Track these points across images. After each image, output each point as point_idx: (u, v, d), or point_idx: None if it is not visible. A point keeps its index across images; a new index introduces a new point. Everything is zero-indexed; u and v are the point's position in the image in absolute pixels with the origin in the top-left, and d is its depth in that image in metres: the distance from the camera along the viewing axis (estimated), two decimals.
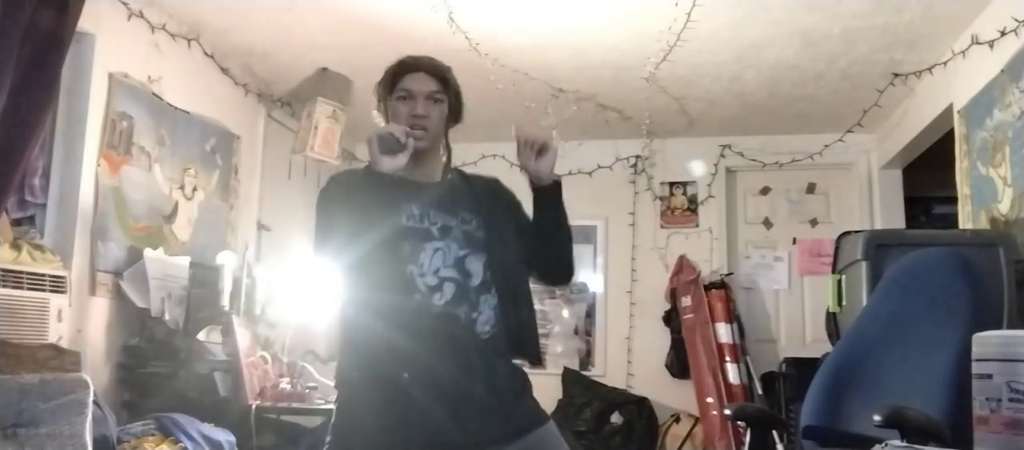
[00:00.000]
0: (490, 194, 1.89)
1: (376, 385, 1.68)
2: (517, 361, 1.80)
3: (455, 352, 1.68)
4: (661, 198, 5.30)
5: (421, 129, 1.77)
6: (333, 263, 1.74)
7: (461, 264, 1.74)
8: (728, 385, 4.61)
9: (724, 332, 4.73)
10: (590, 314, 5.31)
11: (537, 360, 1.84)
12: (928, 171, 4.65)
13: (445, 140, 1.89)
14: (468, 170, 1.95)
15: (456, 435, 1.65)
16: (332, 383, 3.82)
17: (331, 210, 1.74)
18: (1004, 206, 3.16)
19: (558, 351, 5.23)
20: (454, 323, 1.70)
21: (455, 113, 1.87)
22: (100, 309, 3.27)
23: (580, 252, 5.32)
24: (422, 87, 1.79)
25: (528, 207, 1.89)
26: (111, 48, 3.30)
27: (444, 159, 1.90)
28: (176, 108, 3.72)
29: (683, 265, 5.07)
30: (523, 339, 1.77)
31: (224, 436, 3.09)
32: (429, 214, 1.76)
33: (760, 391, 4.66)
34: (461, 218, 1.78)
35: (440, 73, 1.82)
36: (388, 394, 1.66)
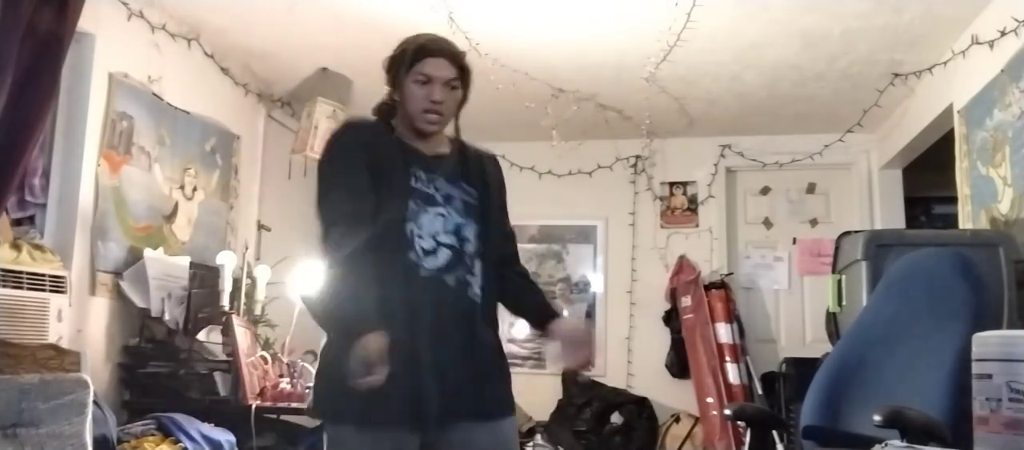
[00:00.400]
0: (488, 169, 1.94)
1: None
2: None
3: (436, 321, 1.71)
4: (661, 198, 5.29)
5: (436, 114, 1.80)
6: (350, 225, 1.69)
7: (459, 231, 1.78)
8: (728, 385, 4.61)
9: (724, 332, 4.73)
10: (590, 314, 5.31)
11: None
12: (928, 171, 4.65)
13: (456, 123, 1.91)
14: (464, 141, 1.98)
15: (426, 405, 1.66)
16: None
17: (343, 166, 1.76)
18: (1004, 206, 3.16)
19: (558, 351, 5.21)
20: (441, 288, 1.73)
21: (465, 100, 1.89)
22: (100, 309, 3.27)
23: (580, 252, 5.33)
24: (442, 73, 1.80)
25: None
26: (111, 48, 3.30)
27: (452, 137, 1.93)
28: (176, 108, 3.72)
29: (683, 265, 5.06)
30: (497, 312, 1.86)
31: (224, 436, 3.09)
32: (435, 180, 1.80)
33: (760, 391, 4.66)
34: (462, 189, 1.83)
35: (459, 60, 1.84)
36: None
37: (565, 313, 2.01)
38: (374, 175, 1.73)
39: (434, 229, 1.75)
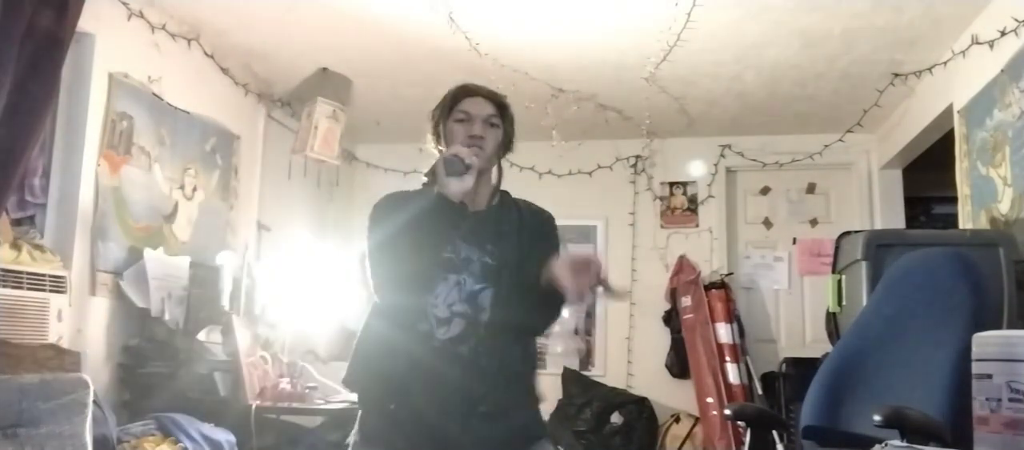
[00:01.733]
0: (530, 227, 1.87)
1: (374, 396, 1.76)
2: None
3: (446, 391, 1.69)
4: (661, 198, 5.30)
5: (478, 149, 1.77)
6: (386, 293, 1.75)
7: (474, 299, 1.74)
8: (728, 385, 4.61)
9: (724, 332, 4.73)
10: (590, 314, 5.31)
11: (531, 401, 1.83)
12: (928, 171, 4.65)
13: (499, 167, 1.89)
14: (523, 199, 1.93)
15: None
16: (332, 383, 3.82)
17: (382, 237, 1.74)
18: (1004, 206, 3.16)
19: (558, 351, 5.23)
20: (452, 360, 1.71)
21: (508, 142, 1.88)
22: (100, 309, 3.27)
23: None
24: (480, 111, 1.82)
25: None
26: (111, 48, 3.30)
27: (494, 185, 1.90)
28: (176, 108, 3.72)
29: (683, 265, 5.06)
30: (520, 379, 1.79)
31: (224, 436, 3.09)
32: (457, 245, 1.76)
33: (760, 391, 4.67)
34: (484, 250, 1.78)
35: (498, 100, 1.87)
36: (378, 414, 1.74)
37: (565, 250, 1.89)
38: (412, 247, 1.70)
39: (451, 299, 1.73)
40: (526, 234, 1.84)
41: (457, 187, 1.67)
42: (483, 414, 1.70)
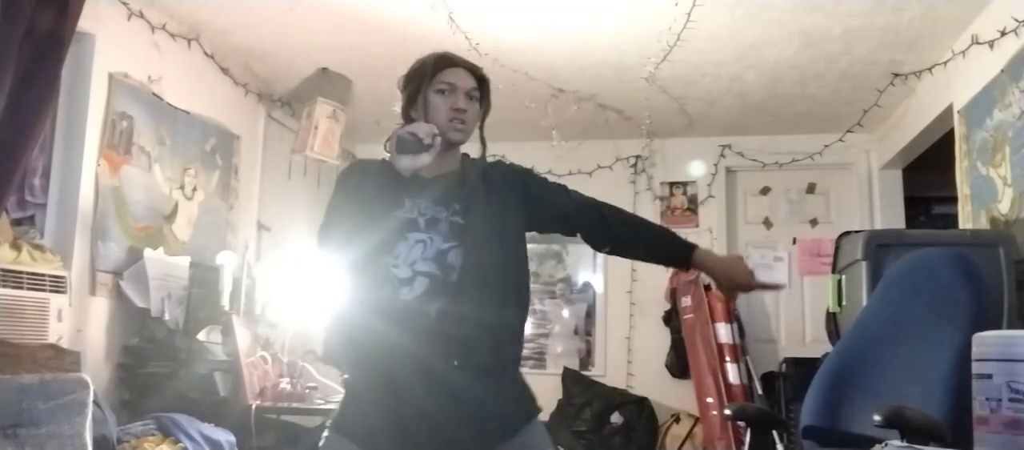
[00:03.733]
0: (497, 183, 1.83)
1: (358, 372, 1.73)
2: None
3: (417, 352, 1.64)
4: (661, 198, 5.30)
5: (461, 123, 1.77)
6: (333, 255, 1.75)
7: (442, 258, 1.69)
8: (728, 385, 4.61)
9: (724, 332, 4.73)
10: (590, 314, 5.31)
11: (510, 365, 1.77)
12: (928, 171, 4.65)
13: (482, 141, 1.88)
14: (491, 160, 1.91)
15: (413, 437, 1.63)
16: (332, 383, 3.83)
17: (339, 200, 1.75)
18: (1004, 206, 3.16)
19: (558, 351, 5.23)
20: (418, 318, 1.65)
21: (485, 115, 1.86)
22: (100, 309, 3.27)
23: (580, 252, 5.32)
24: (464, 83, 1.79)
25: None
26: (111, 48, 3.30)
27: (465, 153, 1.88)
28: (176, 108, 3.72)
29: None
30: (500, 342, 1.71)
31: (224, 436, 3.09)
32: (420, 204, 1.73)
33: (760, 391, 4.66)
34: (452, 210, 1.74)
35: (479, 73, 1.83)
36: (369, 386, 1.69)
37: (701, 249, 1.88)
38: (365, 215, 1.69)
39: (412, 258, 1.67)
40: (496, 192, 1.81)
41: (408, 164, 1.65)
42: (455, 374, 1.64)
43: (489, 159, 1.91)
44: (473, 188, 1.79)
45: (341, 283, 1.75)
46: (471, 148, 1.87)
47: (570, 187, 1.92)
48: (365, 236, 1.68)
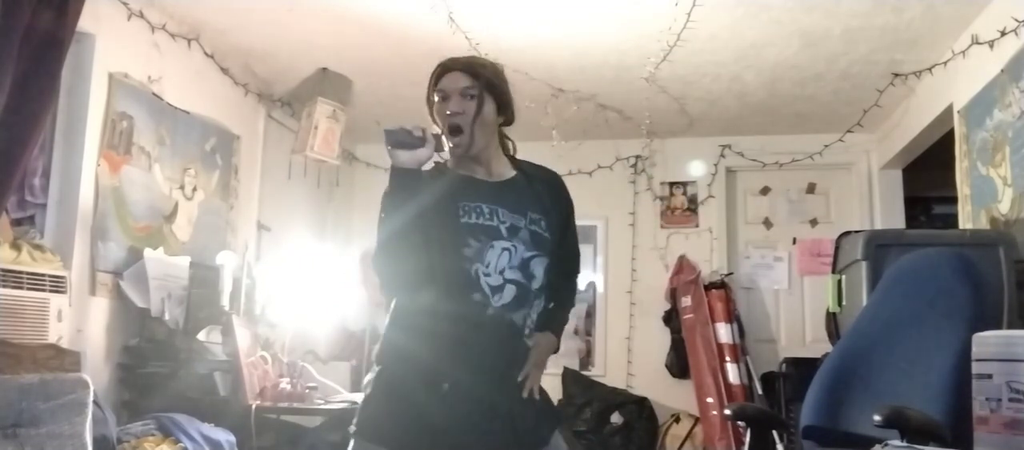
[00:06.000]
0: (552, 193, 1.89)
1: (418, 383, 1.68)
2: None
3: (496, 361, 1.71)
4: (661, 198, 5.30)
5: (457, 125, 1.76)
6: (396, 268, 1.71)
7: (526, 266, 1.73)
8: (728, 385, 4.61)
9: (724, 332, 4.73)
10: (590, 314, 5.31)
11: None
12: (928, 171, 4.65)
13: (503, 138, 1.88)
14: (527, 162, 1.93)
15: (476, 447, 1.68)
16: (332, 383, 3.83)
17: (390, 214, 1.70)
18: (1004, 206, 3.16)
19: (558, 351, 5.22)
20: (505, 328, 1.70)
21: (502, 108, 1.84)
22: (100, 309, 3.27)
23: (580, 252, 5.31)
24: (455, 85, 1.78)
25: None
26: (111, 48, 3.30)
27: (508, 155, 1.89)
28: (176, 108, 3.72)
29: (683, 265, 5.07)
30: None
31: (224, 436, 3.09)
32: (498, 212, 1.74)
33: (760, 391, 4.66)
34: (529, 218, 1.77)
35: (471, 69, 1.81)
36: (423, 398, 1.67)
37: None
38: (421, 223, 1.67)
39: (501, 265, 1.70)
40: (548, 199, 1.85)
41: (406, 159, 1.66)
42: (517, 383, 1.73)
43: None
44: (538, 195, 1.83)
45: (401, 288, 1.74)
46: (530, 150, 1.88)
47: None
48: (450, 243, 1.69)
